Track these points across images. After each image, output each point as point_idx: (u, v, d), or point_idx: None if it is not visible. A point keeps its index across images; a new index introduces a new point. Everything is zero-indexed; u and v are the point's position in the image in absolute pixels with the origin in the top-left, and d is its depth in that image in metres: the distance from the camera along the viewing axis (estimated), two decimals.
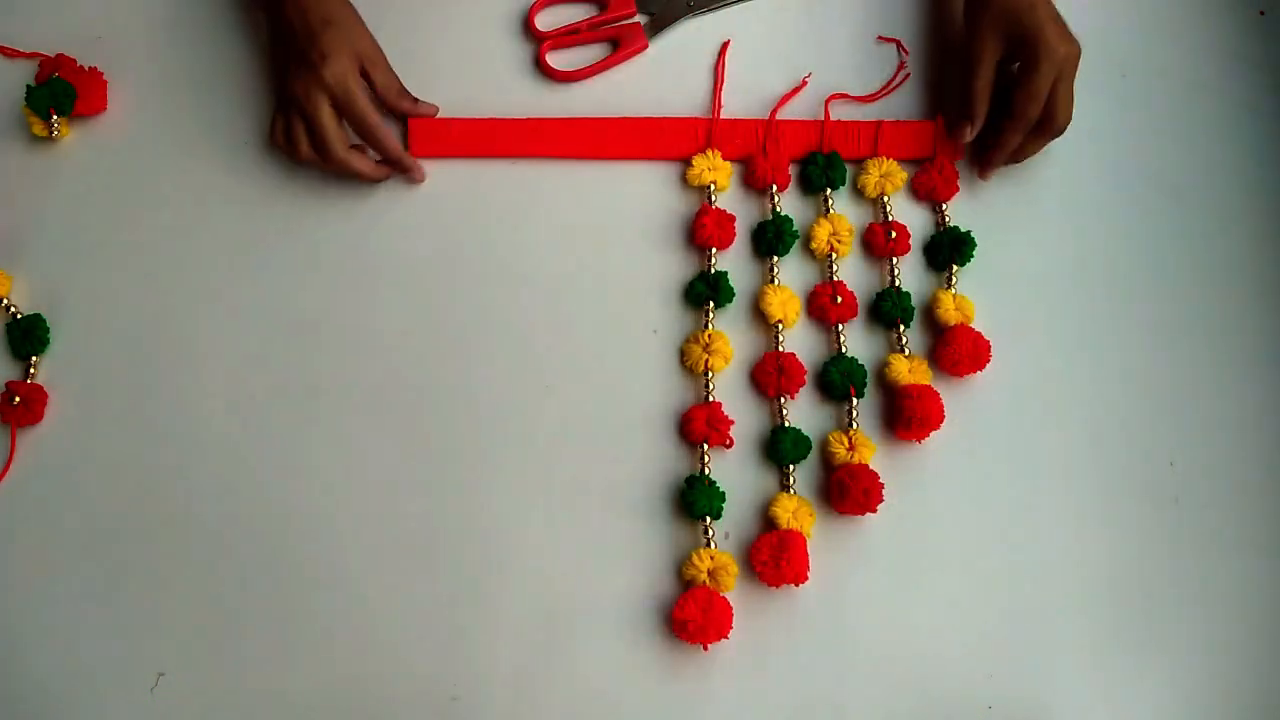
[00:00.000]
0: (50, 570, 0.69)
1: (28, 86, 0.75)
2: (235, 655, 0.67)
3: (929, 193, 0.73)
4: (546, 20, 0.78)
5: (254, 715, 0.66)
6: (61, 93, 0.74)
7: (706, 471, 0.68)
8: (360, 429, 0.70)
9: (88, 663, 0.67)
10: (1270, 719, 0.65)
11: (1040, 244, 0.73)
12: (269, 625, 0.67)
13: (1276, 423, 0.70)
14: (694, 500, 0.67)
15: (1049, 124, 0.69)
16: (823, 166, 0.73)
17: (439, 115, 0.75)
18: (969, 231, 0.72)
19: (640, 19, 0.78)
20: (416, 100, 0.75)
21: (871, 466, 0.67)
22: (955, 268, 0.72)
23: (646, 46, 0.78)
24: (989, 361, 0.69)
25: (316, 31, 0.69)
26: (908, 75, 0.76)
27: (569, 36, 0.78)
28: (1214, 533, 0.68)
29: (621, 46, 0.77)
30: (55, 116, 0.74)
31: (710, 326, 0.71)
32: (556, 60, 0.77)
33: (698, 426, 0.69)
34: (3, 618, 0.68)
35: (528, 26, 0.78)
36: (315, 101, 0.69)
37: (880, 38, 0.77)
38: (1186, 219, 0.73)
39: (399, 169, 0.73)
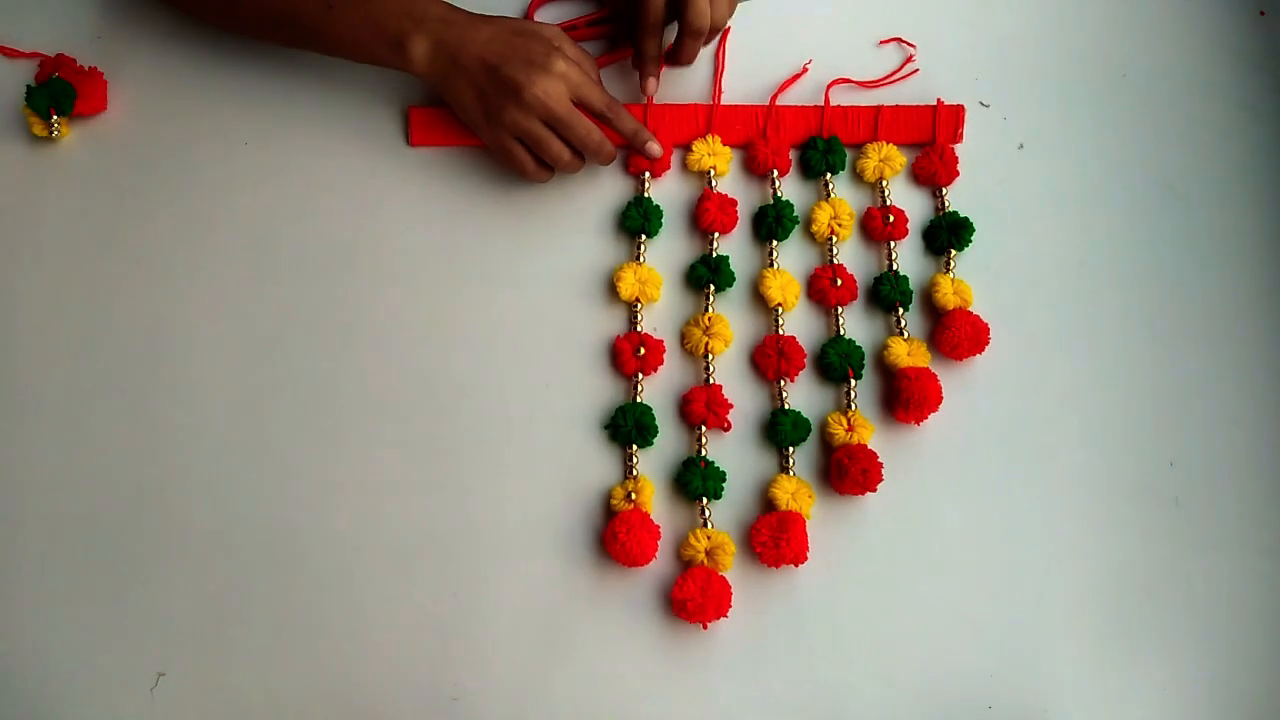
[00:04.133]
0: (50, 570, 0.69)
1: (28, 86, 0.75)
2: (235, 655, 0.67)
3: (929, 177, 0.74)
4: (546, 17, 0.78)
5: (254, 715, 0.66)
6: (61, 93, 0.74)
7: (703, 453, 0.69)
8: (360, 427, 0.70)
9: (88, 663, 0.67)
10: (1270, 719, 0.65)
11: (1039, 237, 0.73)
12: (269, 625, 0.67)
13: (1276, 423, 0.70)
14: (689, 481, 0.67)
15: (688, 25, 0.68)
16: (823, 151, 0.74)
17: None
18: (967, 217, 0.72)
19: None
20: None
21: (870, 447, 0.68)
22: (954, 252, 0.72)
23: None
24: (988, 345, 0.70)
25: (522, 42, 0.68)
26: (915, 70, 0.76)
27: (568, 33, 0.78)
28: (1214, 533, 0.68)
29: (620, 44, 0.77)
30: (55, 116, 0.74)
31: (710, 310, 0.71)
32: None
33: (697, 408, 0.69)
34: (3, 618, 0.68)
35: None
36: (559, 97, 0.67)
37: (882, 41, 0.77)
38: (1186, 219, 0.74)
39: (637, 142, 0.71)
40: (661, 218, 0.73)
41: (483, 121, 0.70)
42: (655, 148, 0.71)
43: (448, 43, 0.68)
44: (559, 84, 0.67)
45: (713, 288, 0.72)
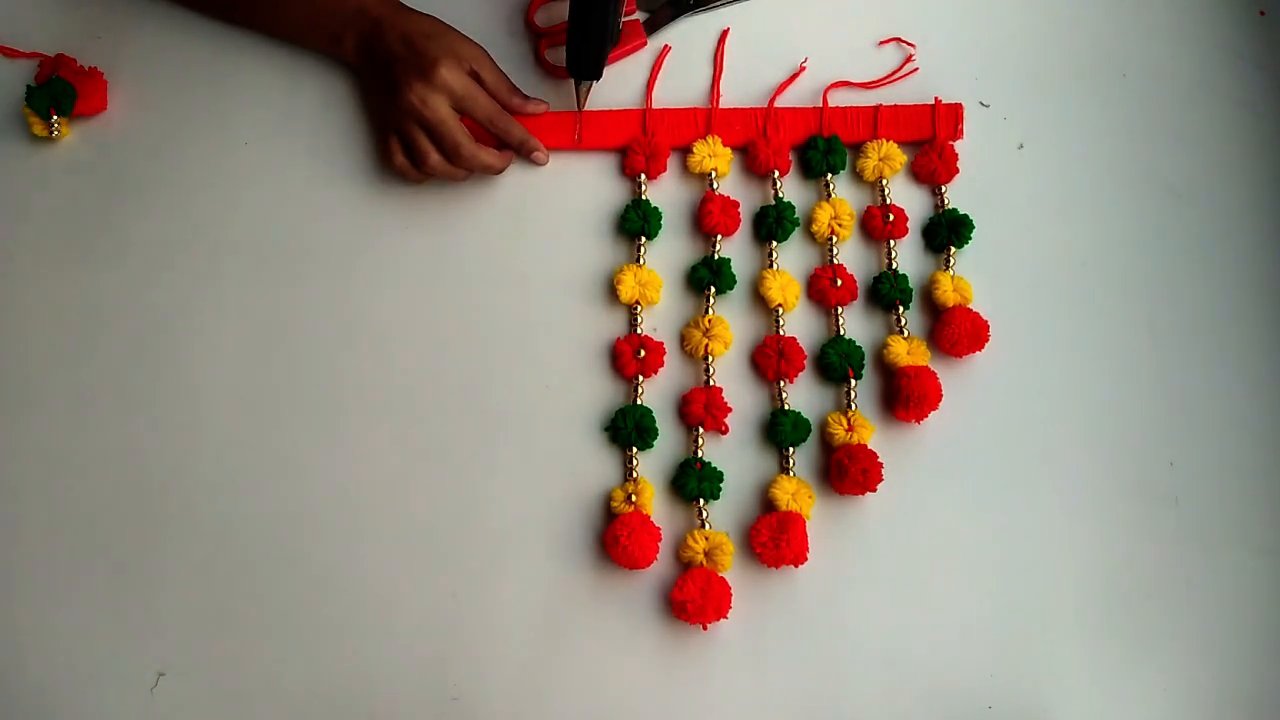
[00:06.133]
0: (50, 570, 0.69)
1: (28, 86, 0.75)
2: (235, 655, 0.67)
3: (929, 175, 0.74)
4: (545, 17, 0.78)
5: (254, 715, 0.66)
6: (61, 93, 0.74)
7: (700, 454, 0.69)
8: (360, 428, 0.70)
9: (88, 663, 0.67)
10: (1270, 719, 0.65)
11: (1040, 235, 0.73)
12: (269, 625, 0.67)
13: (1276, 423, 0.70)
14: (685, 483, 0.67)
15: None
16: (823, 150, 0.74)
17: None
18: (967, 214, 0.72)
19: (639, 16, 0.78)
20: (527, 98, 0.75)
21: (870, 447, 0.68)
22: (954, 249, 0.72)
23: (645, 43, 0.78)
24: (988, 341, 0.70)
25: (421, 45, 0.70)
26: (915, 70, 0.76)
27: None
28: (1214, 533, 0.68)
29: (620, 43, 0.77)
30: (55, 116, 0.74)
31: (711, 311, 0.71)
32: (555, 57, 0.77)
33: (695, 410, 0.69)
34: (3, 618, 0.68)
35: (527, 23, 0.78)
36: (434, 105, 0.70)
37: (881, 41, 0.77)
38: (1186, 219, 0.73)
39: (524, 151, 0.74)
40: (661, 220, 0.73)
41: (369, 105, 0.75)
42: (541, 156, 0.74)
43: (366, 33, 0.72)
44: (438, 94, 0.70)
45: (713, 289, 0.72)
